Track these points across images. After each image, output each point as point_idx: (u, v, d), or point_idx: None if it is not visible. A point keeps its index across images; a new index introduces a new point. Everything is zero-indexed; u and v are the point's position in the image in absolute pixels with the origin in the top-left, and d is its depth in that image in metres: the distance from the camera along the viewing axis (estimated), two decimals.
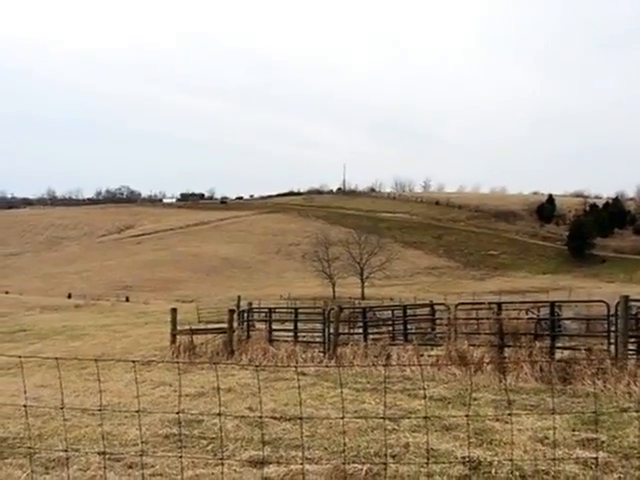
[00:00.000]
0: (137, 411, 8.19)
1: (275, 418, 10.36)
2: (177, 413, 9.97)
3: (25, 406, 7.81)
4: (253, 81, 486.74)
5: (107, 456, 8.35)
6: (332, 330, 22.16)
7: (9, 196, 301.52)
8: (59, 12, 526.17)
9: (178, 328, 25.88)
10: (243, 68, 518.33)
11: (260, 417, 10.42)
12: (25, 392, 8.34)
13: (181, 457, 7.91)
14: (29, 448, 8.84)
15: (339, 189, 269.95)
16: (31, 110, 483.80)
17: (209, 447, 9.14)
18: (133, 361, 14.67)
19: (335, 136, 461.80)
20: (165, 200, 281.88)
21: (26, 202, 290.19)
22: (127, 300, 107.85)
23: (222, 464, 7.87)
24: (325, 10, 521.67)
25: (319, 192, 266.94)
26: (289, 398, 12.74)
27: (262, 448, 8.97)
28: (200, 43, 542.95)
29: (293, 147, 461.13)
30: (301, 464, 7.99)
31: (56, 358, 8.89)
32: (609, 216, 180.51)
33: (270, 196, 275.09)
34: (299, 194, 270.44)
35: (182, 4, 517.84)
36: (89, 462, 8.24)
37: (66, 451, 8.55)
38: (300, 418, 10.16)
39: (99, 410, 8.95)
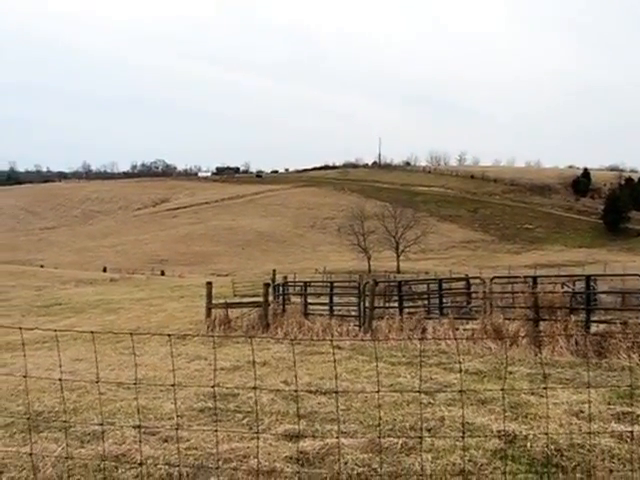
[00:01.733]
0: (172, 385, 8.19)
1: (310, 392, 10.34)
2: (212, 387, 9.96)
3: (60, 380, 7.81)
4: (288, 55, 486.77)
5: (142, 430, 8.35)
6: (367, 304, 22.12)
7: (45, 170, 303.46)
8: None
9: (213, 302, 25.92)
10: (279, 42, 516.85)
11: (295, 391, 10.40)
12: (60, 366, 8.35)
13: (216, 431, 7.90)
14: (64, 422, 8.86)
15: (374, 163, 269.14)
16: (66, 84, 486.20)
17: (244, 421, 9.14)
18: (168, 335, 14.67)
19: (370, 110, 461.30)
20: (200, 174, 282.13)
21: (62, 176, 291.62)
22: (162, 274, 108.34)
23: (257, 438, 7.85)
24: None
25: (354, 166, 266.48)
26: (324, 372, 12.72)
27: (297, 422, 8.95)
28: (237, 16, 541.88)
29: (328, 121, 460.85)
30: (336, 438, 7.96)
31: (91, 332, 8.90)
32: None
33: (305, 170, 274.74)
34: (334, 168, 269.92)
35: None
36: (124, 436, 8.26)
37: (101, 425, 8.57)
38: (335, 392, 10.13)
39: (134, 384, 8.97)
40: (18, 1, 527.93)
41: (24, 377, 7.22)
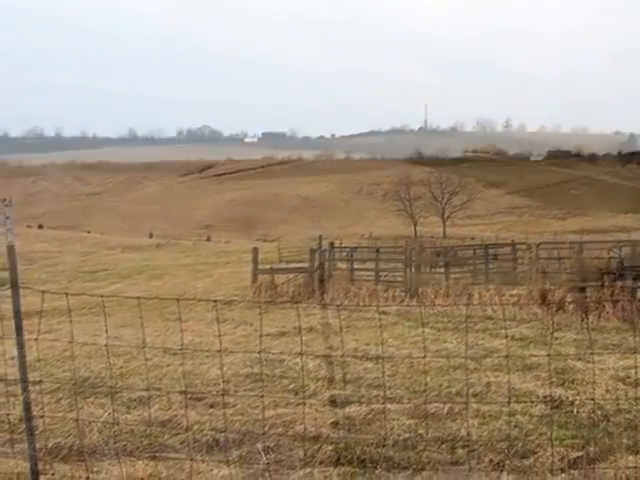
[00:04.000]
0: (218, 351, 8.18)
1: (356, 357, 10.32)
2: (258, 353, 9.98)
3: (106, 345, 7.82)
4: (333, 19, 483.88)
5: (188, 395, 8.39)
6: (414, 270, 22.06)
7: (91, 135, 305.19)
8: None
9: (259, 268, 25.95)
10: (324, 4, 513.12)
11: (342, 356, 10.38)
12: (106, 332, 8.36)
13: (262, 397, 7.91)
14: (110, 387, 8.91)
15: (420, 128, 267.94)
16: (113, 49, 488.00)
17: (290, 387, 9.14)
18: (214, 300, 14.71)
19: (416, 75, 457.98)
20: (246, 140, 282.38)
21: (108, 141, 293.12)
22: (208, 240, 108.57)
23: (304, 404, 7.84)
24: None
25: (400, 131, 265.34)
26: (370, 338, 12.70)
27: (343, 387, 8.94)
28: None
29: (374, 86, 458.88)
30: (382, 403, 7.94)
31: (137, 297, 8.90)
32: None
33: (352, 135, 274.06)
34: (380, 133, 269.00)
35: None
36: (170, 401, 8.29)
37: (147, 390, 8.61)
38: (381, 357, 10.10)
39: (180, 350, 8.98)
40: None
41: (70, 343, 7.22)
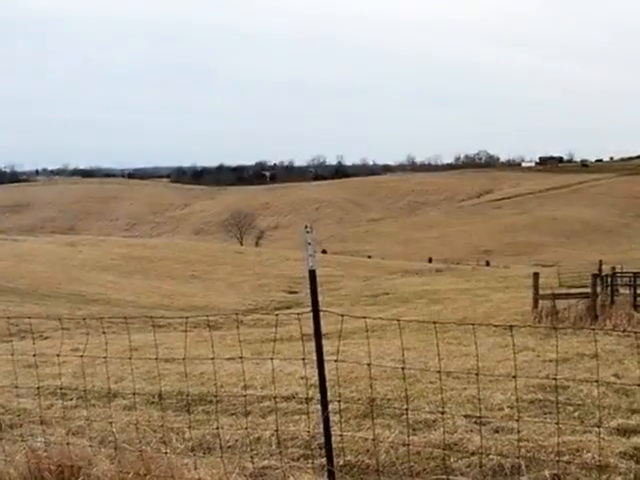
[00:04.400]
0: (501, 376, 8.24)
1: None
2: (542, 378, 9.92)
3: (393, 368, 8.06)
4: (606, 40, 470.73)
5: (473, 419, 8.47)
6: None
7: (371, 163, 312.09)
8: None
9: (540, 293, 25.66)
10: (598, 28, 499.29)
11: (627, 385, 10.14)
12: (390, 354, 8.60)
13: (547, 423, 7.88)
14: (396, 409, 9.14)
15: None
16: (394, 83, 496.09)
17: (575, 414, 9.03)
18: (495, 325, 14.70)
19: None
20: (524, 164, 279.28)
21: (387, 169, 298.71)
22: (487, 264, 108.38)
23: (590, 432, 7.75)
24: None
25: None
26: None
27: (630, 416, 8.74)
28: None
29: None
30: None
31: (419, 321, 9.11)
32: None
33: (631, 158, 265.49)
34: None
35: None
36: (455, 425, 8.39)
37: (432, 413, 8.77)
38: None
39: (466, 374, 9.07)
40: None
41: (368, 365, 7.50)
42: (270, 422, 8.59)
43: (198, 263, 76.81)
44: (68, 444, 7.17)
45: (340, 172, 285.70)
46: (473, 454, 7.21)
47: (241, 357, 8.70)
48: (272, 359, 9.17)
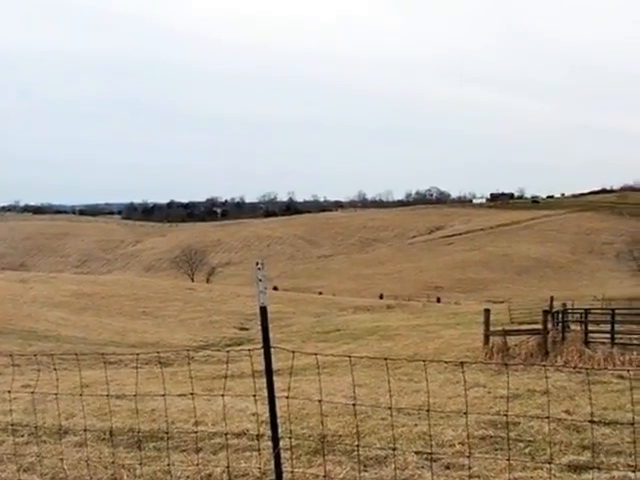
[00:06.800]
0: (452, 412, 8.23)
1: (593, 422, 10.10)
2: (493, 415, 9.94)
3: (344, 404, 8.04)
4: (558, 75, 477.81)
5: (424, 456, 8.46)
6: None
7: (322, 199, 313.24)
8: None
9: (490, 329, 25.79)
10: (553, 63, 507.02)
11: (578, 421, 10.20)
12: (341, 391, 8.58)
13: (498, 459, 7.88)
14: (347, 445, 9.11)
15: None
16: (345, 119, 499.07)
17: (526, 450, 9.04)
18: (446, 361, 14.73)
19: None
20: (475, 200, 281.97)
21: (338, 205, 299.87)
22: (438, 301, 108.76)
23: (541, 468, 7.77)
24: None
25: (633, 189, 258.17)
26: (607, 402, 12.38)
27: (581, 453, 8.78)
28: (507, 38, 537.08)
29: (604, 142, 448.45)
30: (623, 471, 7.75)
31: (369, 357, 9.11)
32: None
33: (582, 194, 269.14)
34: (612, 191, 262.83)
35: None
36: (407, 461, 8.37)
37: (383, 449, 8.74)
38: (620, 423, 9.85)
39: (417, 410, 9.06)
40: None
41: (319, 401, 7.48)
42: (221, 458, 8.53)
43: (149, 300, 76.34)
44: None
45: (291, 208, 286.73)
46: None
47: (192, 393, 8.66)
48: (223, 395, 9.14)
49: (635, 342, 23.72)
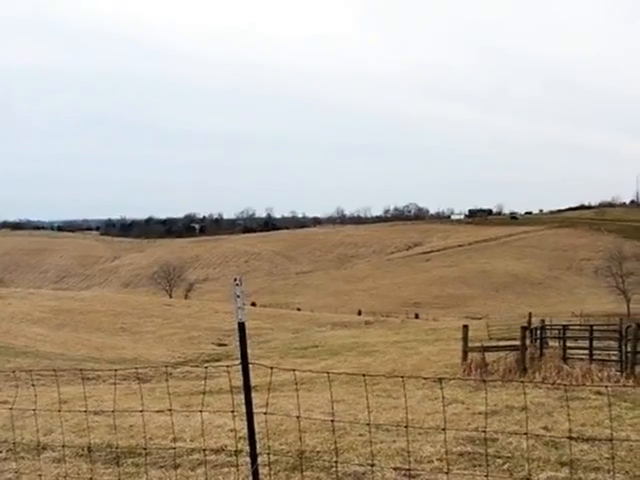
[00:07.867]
0: (430, 428, 8.23)
1: (572, 438, 10.11)
2: (471, 431, 9.95)
3: (322, 420, 8.03)
4: (536, 92, 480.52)
5: (402, 472, 8.45)
6: (629, 348, 21.46)
7: (300, 215, 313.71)
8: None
9: (469, 345, 25.82)
10: (525, 79, 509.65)
11: (556, 437, 10.21)
12: (319, 407, 8.57)
13: (476, 476, 7.88)
14: (325, 461, 9.09)
15: (632, 201, 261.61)
16: (323, 135, 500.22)
17: (505, 466, 9.04)
18: (424, 378, 14.74)
19: (627, 146, 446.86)
20: (453, 217, 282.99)
21: (316, 221, 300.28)
22: (416, 317, 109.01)
23: None
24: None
25: (611, 205, 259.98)
26: (585, 418, 12.40)
27: (560, 469, 8.79)
28: (482, 55, 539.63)
29: (582, 159, 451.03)
30: None
31: (347, 374, 9.11)
32: None
33: (560, 210, 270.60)
34: (590, 208, 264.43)
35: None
36: (385, 477, 8.35)
37: (362, 465, 8.73)
38: (598, 439, 9.87)
39: (395, 427, 9.06)
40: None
41: (297, 417, 7.47)
42: (199, 475, 8.50)
43: (127, 316, 76.07)
44: None
45: (269, 224, 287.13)
46: None
47: (170, 409, 8.64)
48: (201, 411, 9.12)
49: (613, 358, 23.83)
